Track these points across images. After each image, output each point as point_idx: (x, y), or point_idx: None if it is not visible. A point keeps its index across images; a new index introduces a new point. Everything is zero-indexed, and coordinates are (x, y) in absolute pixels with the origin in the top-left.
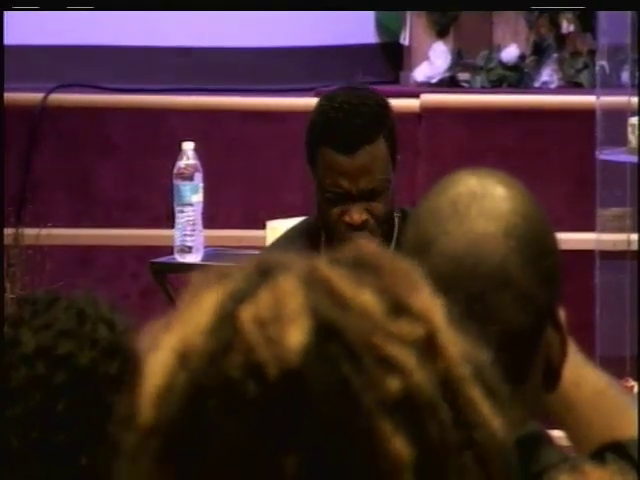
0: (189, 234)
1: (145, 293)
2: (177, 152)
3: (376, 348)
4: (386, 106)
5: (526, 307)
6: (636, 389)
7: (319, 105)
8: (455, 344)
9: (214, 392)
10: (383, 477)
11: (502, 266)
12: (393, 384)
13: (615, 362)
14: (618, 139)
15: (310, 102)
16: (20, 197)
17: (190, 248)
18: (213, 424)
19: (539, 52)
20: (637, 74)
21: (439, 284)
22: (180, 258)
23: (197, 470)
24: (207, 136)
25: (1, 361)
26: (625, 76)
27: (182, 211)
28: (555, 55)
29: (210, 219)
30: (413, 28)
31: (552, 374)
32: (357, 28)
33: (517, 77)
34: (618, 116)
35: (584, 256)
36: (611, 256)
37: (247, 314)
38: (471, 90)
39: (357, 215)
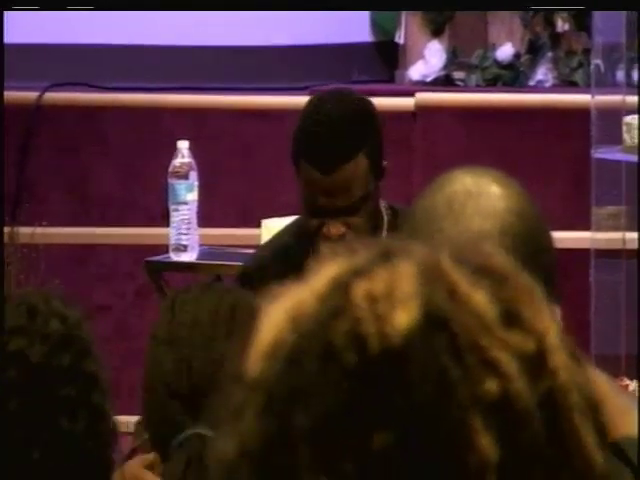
0: (184, 233)
1: (141, 292)
2: (172, 151)
3: (481, 349)
4: (370, 117)
5: None
6: (631, 387)
7: (303, 113)
8: (568, 371)
9: (316, 355)
10: (467, 472)
11: None
12: (491, 385)
13: (610, 361)
14: (613, 138)
15: (305, 101)
16: (15, 195)
17: (185, 247)
18: (311, 387)
19: (534, 51)
20: (638, 73)
21: None
22: (175, 257)
23: (292, 430)
24: (202, 135)
25: None
26: (620, 75)
27: (177, 210)
28: (550, 54)
29: (205, 218)
30: (408, 27)
31: None
32: (352, 27)
33: (512, 76)
34: (613, 115)
35: (579, 255)
36: (606, 255)
37: (360, 287)
38: (466, 89)
39: (334, 229)
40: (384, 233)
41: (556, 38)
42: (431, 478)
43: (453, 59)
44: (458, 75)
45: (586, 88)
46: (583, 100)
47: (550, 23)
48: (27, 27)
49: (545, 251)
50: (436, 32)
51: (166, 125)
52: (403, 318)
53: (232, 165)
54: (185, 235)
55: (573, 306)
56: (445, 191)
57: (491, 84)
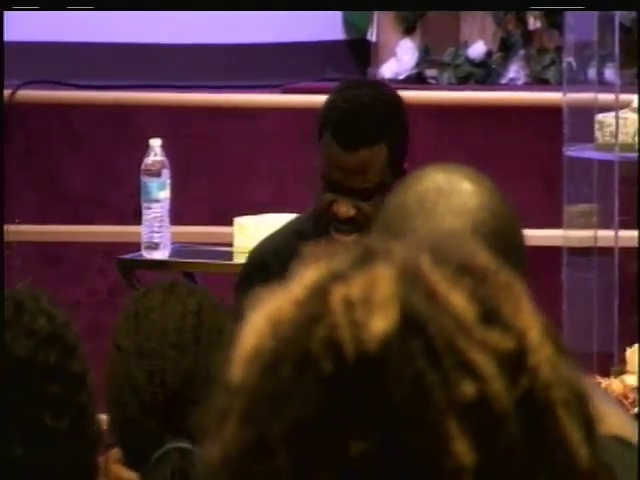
0: (156, 230)
1: (113, 289)
2: (145, 149)
3: (459, 351)
4: (399, 114)
5: None
6: (603, 385)
7: (336, 89)
8: (552, 367)
9: (292, 362)
10: (443, 477)
11: None
12: (468, 388)
13: (582, 359)
14: (585, 136)
15: (278, 99)
16: None
17: (157, 244)
18: (287, 394)
19: (506, 49)
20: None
21: None
22: (147, 254)
23: (270, 437)
24: (175, 133)
25: None
26: (592, 73)
27: (149, 207)
28: (522, 52)
29: (177, 215)
30: (380, 25)
31: None
32: (325, 25)
33: (484, 74)
34: (585, 113)
35: (551, 252)
36: (578, 252)
37: (338, 293)
38: (438, 87)
39: (344, 209)
40: None
41: (528, 36)
42: None
43: (425, 57)
44: (430, 73)
45: (558, 86)
46: (555, 98)
47: (522, 21)
48: None
49: (517, 248)
50: (408, 30)
51: (138, 123)
52: (380, 323)
53: (205, 163)
54: (157, 233)
55: (545, 304)
56: (417, 188)
57: (463, 82)
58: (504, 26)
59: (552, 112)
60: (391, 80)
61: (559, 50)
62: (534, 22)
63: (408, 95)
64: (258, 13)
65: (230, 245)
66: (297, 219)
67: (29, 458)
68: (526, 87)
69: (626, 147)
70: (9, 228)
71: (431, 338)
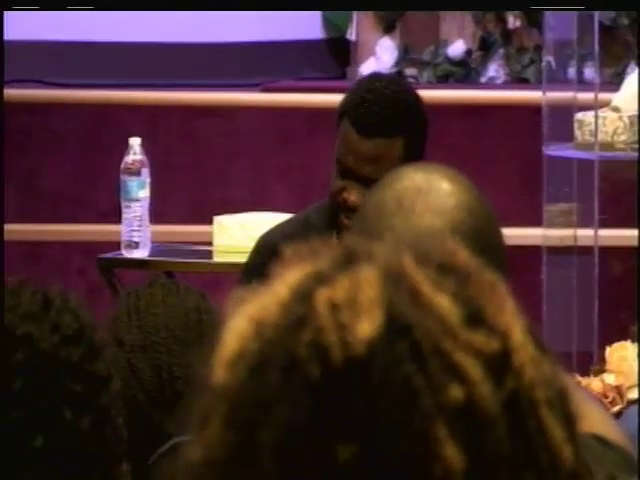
0: (136, 229)
1: (92, 288)
2: (124, 147)
3: (445, 354)
4: (419, 113)
5: None
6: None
7: (360, 80)
8: (535, 366)
9: (279, 367)
10: None
11: None
12: (455, 392)
13: (562, 358)
14: (564, 135)
15: (257, 97)
16: None
17: (137, 243)
18: (274, 399)
19: (485, 47)
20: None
21: None
22: (127, 253)
23: (256, 442)
24: (154, 131)
25: None
26: (571, 72)
27: (129, 206)
28: (501, 50)
29: (157, 214)
30: (360, 24)
31: None
32: (304, 24)
33: (464, 72)
34: (564, 112)
35: (531, 251)
36: (558, 251)
37: (323, 295)
38: (417, 85)
39: (354, 196)
40: None
41: (508, 35)
42: None
43: (405, 56)
44: (410, 72)
45: (537, 85)
46: (534, 97)
47: (501, 20)
48: None
49: (496, 248)
50: (387, 29)
51: (118, 122)
52: (366, 326)
53: (184, 162)
54: (137, 232)
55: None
56: (395, 188)
57: (443, 81)
58: (483, 25)
59: (531, 111)
60: None
61: (539, 49)
62: (514, 21)
63: None
64: (237, 12)
65: (210, 244)
66: (308, 209)
67: (48, 452)
68: (505, 86)
69: (605, 146)
70: None
71: (417, 341)
